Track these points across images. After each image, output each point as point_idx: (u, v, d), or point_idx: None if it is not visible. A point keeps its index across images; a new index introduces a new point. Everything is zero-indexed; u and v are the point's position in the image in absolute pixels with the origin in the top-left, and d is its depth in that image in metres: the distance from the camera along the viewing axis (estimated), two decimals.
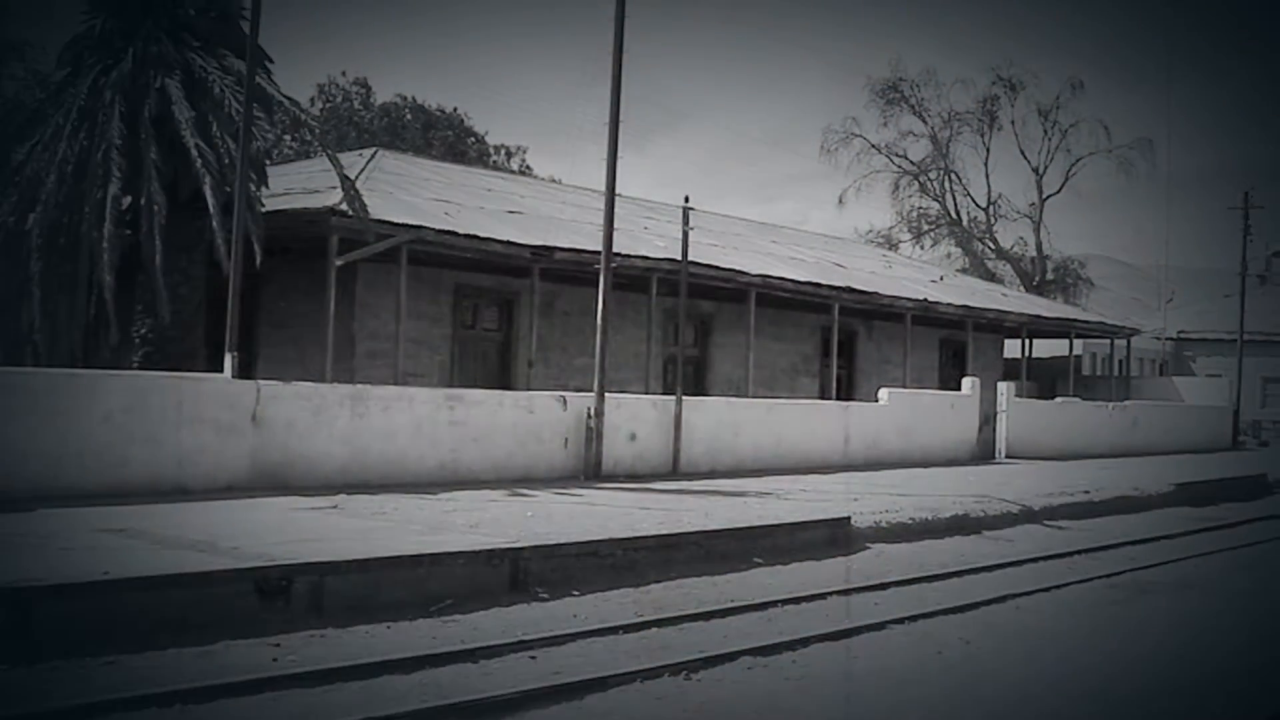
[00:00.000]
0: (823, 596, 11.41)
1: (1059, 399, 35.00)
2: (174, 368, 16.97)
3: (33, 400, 13.72)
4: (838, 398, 29.53)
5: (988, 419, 29.45)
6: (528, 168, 56.39)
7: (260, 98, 17.99)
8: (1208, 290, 67.16)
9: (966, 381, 29.21)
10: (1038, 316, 37.84)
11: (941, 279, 40.11)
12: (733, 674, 8.43)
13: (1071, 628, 10.80)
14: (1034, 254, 60.57)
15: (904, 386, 30.09)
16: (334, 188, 19.77)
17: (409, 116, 54.79)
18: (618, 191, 19.86)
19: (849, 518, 15.28)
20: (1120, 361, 42.40)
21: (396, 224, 20.21)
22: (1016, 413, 30.03)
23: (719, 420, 22.23)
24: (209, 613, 8.83)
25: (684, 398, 21.30)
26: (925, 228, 61.91)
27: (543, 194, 30.42)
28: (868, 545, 14.86)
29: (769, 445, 22.95)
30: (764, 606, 10.78)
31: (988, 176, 60.38)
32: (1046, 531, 17.51)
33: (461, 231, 21.33)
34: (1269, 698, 8.60)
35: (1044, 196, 59.89)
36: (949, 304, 33.17)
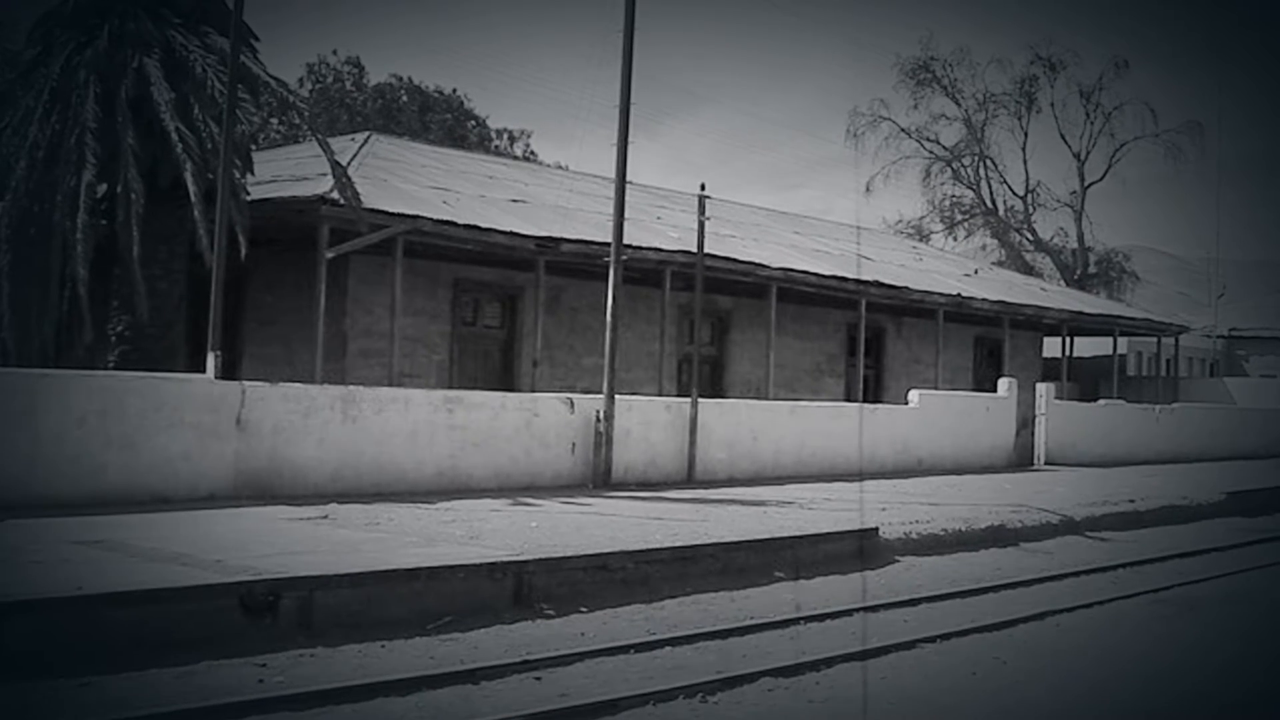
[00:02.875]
0: (849, 613, 11.39)
1: (1102, 401, 34.90)
2: (153, 368, 16.98)
3: (0, 402, 13.74)
4: (865, 400, 29.48)
5: (1025, 422, 29.38)
6: (532, 154, 56.49)
7: (245, 78, 17.99)
8: (1262, 284, 67.05)
9: (1003, 382, 29.14)
10: (1079, 313, 37.76)
11: (976, 272, 40.06)
12: (752, 696, 8.41)
13: (1115, 647, 10.76)
14: (1075, 246, 60.54)
15: (936, 388, 30.05)
16: (324, 175, 19.78)
17: (405, 98, 54.87)
18: (629, 179, 19.83)
19: (877, 528, 15.27)
20: (1168, 361, 42.28)
21: (391, 213, 20.23)
22: (1056, 416, 29.96)
23: (737, 424, 22.21)
24: (190, 630, 8.83)
25: (700, 400, 21.27)
26: (959, 218, 61.92)
27: (548, 182, 30.40)
28: (897, 558, 14.85)
29: (791, 451, 22.92)
30: (786, 624, 10.76)
31: (1026, 163, 60.65)
32: (1089, 543, 17.48)
33: (461, 222, 21.34)
34: None
35: (1086, 184, 59.92)
36: (984, 299, 33.12)
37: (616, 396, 19.31)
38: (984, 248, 61.30)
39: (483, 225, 21.64)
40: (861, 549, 14.64)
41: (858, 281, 28.88)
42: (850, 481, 22.03)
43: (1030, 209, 60.95)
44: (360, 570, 10.21)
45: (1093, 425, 31.50)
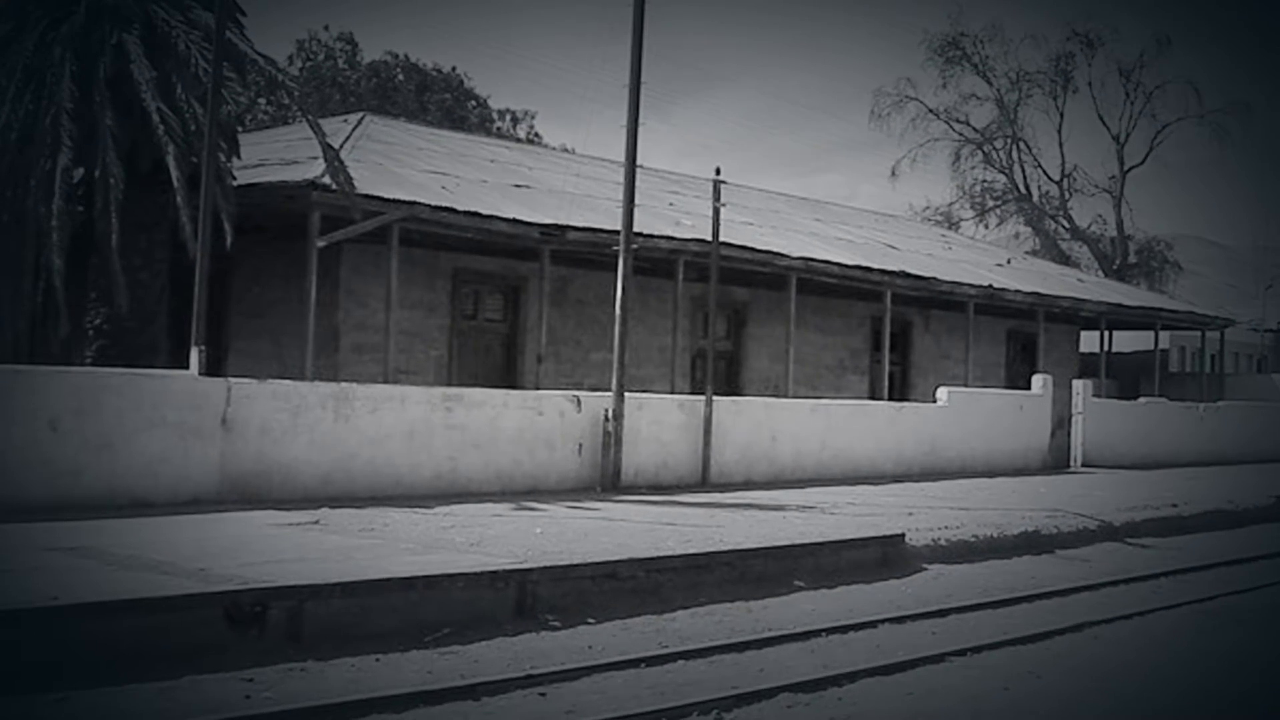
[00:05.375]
0: (873, 625, 11.37)
1: (1143, 399, 34.86)
2: (132, 363, 17.00)
3: None
4: (890, 397, 29.46)
5: (1061, 422, 29.35)
6: (536, 136, 56.53)
7: (231, 55, 17.99)
8: None
9: (1037, 379, 29.11)
10: (1118, 305, 37.67)
11: (1009, 262, 39.99)
12: (770, 713, 8.39)
13: (1157, 661, 10.73)
14: (1114, 234, 60.40)
15: (966, 385, 29.99)
16: (315, 158, 19.78)
17: (401, 77, 54.92)
18: (639, 163, 19.83)
19: (903, 535, 15.24)
20: (1213, 356, 42.22)
21: (387, 200, 20.22)
22: (1094, 415, 29.91)
23: (755, 423, 22.20)
24: (173, 643, 8.83)
25: (715, 398, 21.27)
26: (990, 204, 61.84)
27: (554, 166, 30.40)
28: (924, 566, 14.83)
29: (812, 452, 22.92)
30: (806, 636, 10.75)
31: (1061, 146, 60.25)
32: (1128, 550, 17.44)
33: (461, 208, 21.32)
34: None
35: (1125, 168, 59.75)
36: (1017, 291, 33.06)
37: (626, 394, 19.31)
38: (1017, 236, 61.23)
39: (484, 212, 21.61)
40: (886, 556, 14.64)
41: (883, 272, 28.83)
42: (875, 484, 22.04)
43: (1066, 195, 60.86)
44: (353, 579, 10.21)
45: (1133, 424, 31.45)
